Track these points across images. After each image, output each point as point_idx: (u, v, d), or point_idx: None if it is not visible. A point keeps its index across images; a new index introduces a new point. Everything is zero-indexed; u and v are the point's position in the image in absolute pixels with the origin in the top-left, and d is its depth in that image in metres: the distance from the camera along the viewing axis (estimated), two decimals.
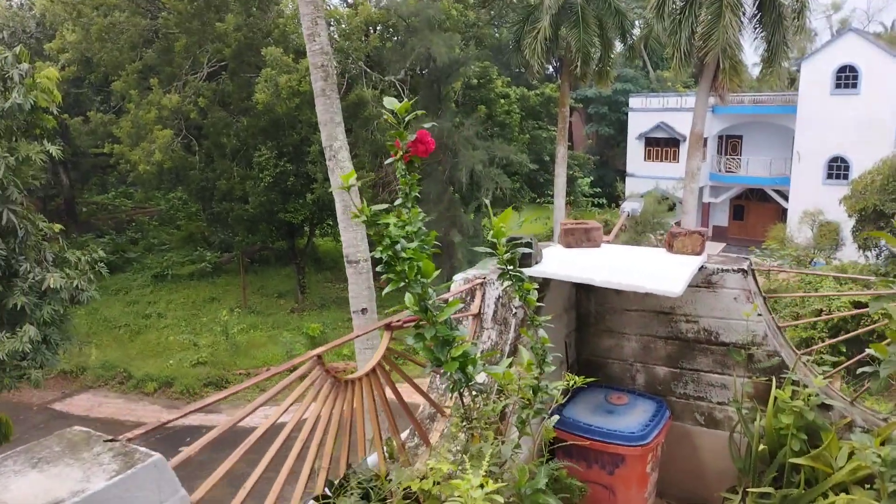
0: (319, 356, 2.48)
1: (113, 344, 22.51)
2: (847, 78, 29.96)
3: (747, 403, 3.72)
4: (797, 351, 3.80)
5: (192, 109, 23.62)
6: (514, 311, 3.51)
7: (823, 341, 16.51)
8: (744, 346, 3.78)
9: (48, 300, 12.32)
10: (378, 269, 2.45)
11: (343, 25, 24.31)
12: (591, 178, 39.29)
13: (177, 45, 23.71)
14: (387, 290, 2.48)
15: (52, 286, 12.01)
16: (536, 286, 2.69)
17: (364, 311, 9.17)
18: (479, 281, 3.63)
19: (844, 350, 15.34)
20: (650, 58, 39.18)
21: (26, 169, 12.47)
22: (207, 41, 23.62)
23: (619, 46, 27.27)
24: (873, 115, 29.02)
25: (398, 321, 2.77)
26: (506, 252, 2.61)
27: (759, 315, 3.71)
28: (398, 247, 2.34)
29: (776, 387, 3.52)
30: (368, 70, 23.52)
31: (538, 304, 2.77)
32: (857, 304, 16.14)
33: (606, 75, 25.24)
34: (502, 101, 29.27)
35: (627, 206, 14.30)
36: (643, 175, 35.86)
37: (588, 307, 4.29)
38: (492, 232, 2.62)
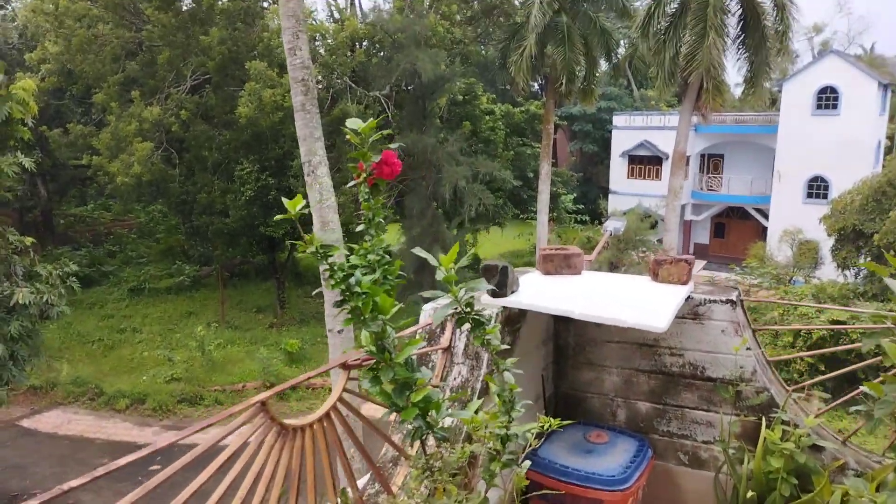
0: (263, 402, 2.25)
1: (85, 359, 22.00)
2: (828, 99, 30.29)
3: (734, 443, 3.53)
4: (787, 387, 3.62)
5: (174, 122, 23.32)
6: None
7: (802, 359, 16.53)
8: (731, 382, 3.60)
9: (17, 315, 11.95)
10: (332, 304, 2.24)
11: (329, 40, 24.19)
12: (575, 195, 39.34)
13: (160, 57, 23.43)
14: (342, 327, 2.27)
15: (20, 301, 11.66)
16: (498, 328, 2.48)
17: (341, 331, 8.93)
18: (449, 311, 3.43)
19: (823, 369, 15.33)
20: (634, 77, 39.50)
21: None
22: (191, 54, 23.38)
23: (604, 65, 27.40)
24: (853, 136, 29.33)
25: (356, 359, 2.55)
26: (468, 288, 2.37)
27: (748, 349, 3.53)
28: (352, 280, 2.12)
29: (766, 426, 3.34)
30: (353, 85, 23.38)
31: (513, 337, 2.56)
32: (834, 322, 16.16)
33: (591, 93, 25.30)
34: (487, 117, 29.25)
35: (610, 226, 14.23)
36: (626, 192, 35.96)
37: (567, 339, 4.09)
38: (442, 271, 2.30)
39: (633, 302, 3.38)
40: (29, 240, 13.17)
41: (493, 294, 3.34)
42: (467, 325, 2.74)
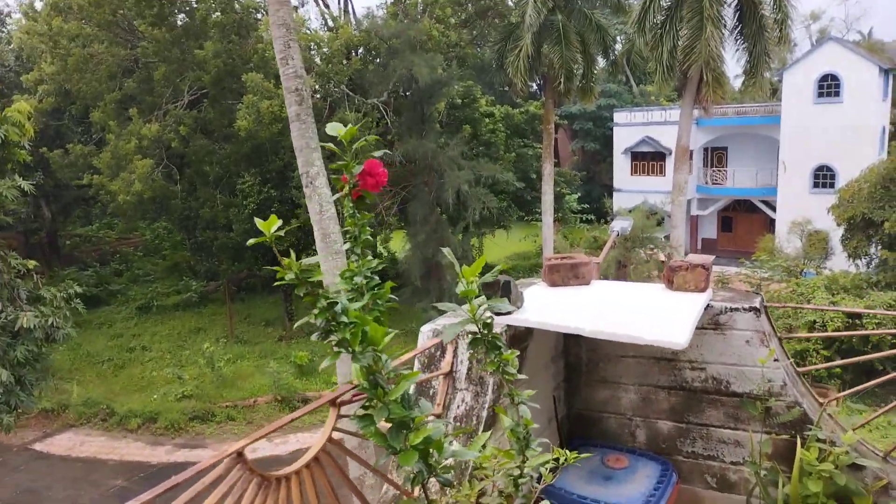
0: (240, 452, 2.05)
1: (96, 380, 21.90)
2: (829, 87, 29.99)
3: (766, 464, 3.31)
4: (821, 400, 3.40)
5: (173, 138, 23.23)
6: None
7: (818, 353, 16.24)
8: (759, 397, 3.37)
9: (22, 340, 11.83)
10: (313, 336, 2.04)
11: (324, 49, 24.07)
12: (579, 195, 39.11)
13: (156, 73, 23.36)
14: (325, 363, 2.07)
15: (25, 325, 11.54)
16: (516, 351, 2.28)
17: None
18: (460, 329, 3.22)
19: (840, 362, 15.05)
20: (633, 72, 39.24)
21: None
22: (187, 69, 23.29)
23: (601, 62, 27.17)
24: (856, 123, 29.01)
25: (348, 396, 2.35)
26: (480, 308, 2.16)
27: (776, 360, 3.31)
28: (338, 308, 1.92)
29: (800, 445, 3.12)
30: (351, 93, 23.24)
31: (520, 356, 2.38)
32: (850, 316, 15.90)
33: (590, 91, 25.08)
34: (487, 120, 29.06)
35: (616, 226, 14.02)
36: (630, 189, 35.70)
37: (578, 355, 3.87)
38: (462, 285, 2.11)
39: (648, 315, 3.16)
40: (32, 263, 13.05)
41: (496, 311, 3.15)
42: (466, 348, 2.57)
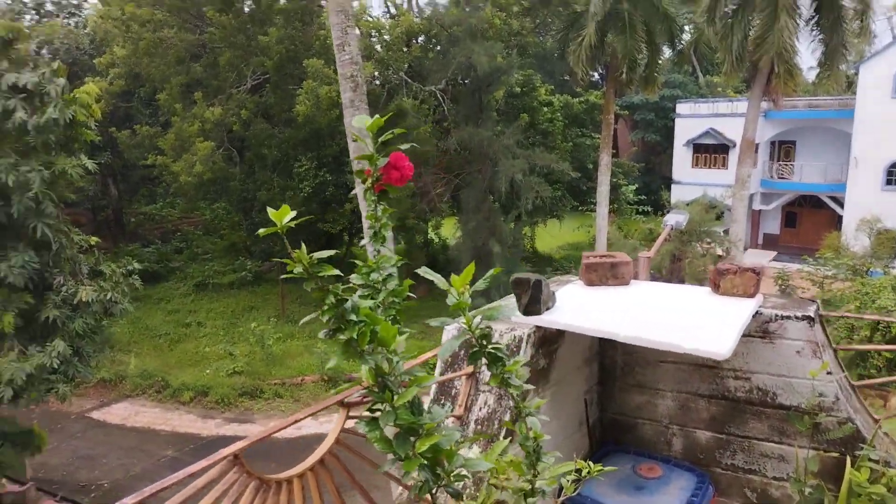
0: (236, 455, 1.98)
1: (152, 353, 22.64)
2: None
3: (811, 482, 3.10)
4: (876, 417, 3.16)
5: (235, 121, 23.75)
6: None
7: (880, 354, 15.46)
8: (808, 412, 3.15)
9: (81, 313, 12.24)
10: (321, 334, 1.96)
11: (385, 36, 24.12)
12: (636, 186, 38.28)
13: (221, 58, 23.87)
14: (330, 365, 1.98)
15: (84, 299, 11.93)
16: (524, 360, 2.14)
17: None
18: (457, 344, 3.01)
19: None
20: (700, 63, 38.04)
21: (62, 182, 12.43)
22: (251, 54, 23.72)
23: (667, 52, 26.42)
24: None
25: (358, 396, 2.26)
26: (486, 315, 2.02)
27: (829, 373, 3.08)
28: (347, 305, 1.86)
29: (850, 464, 2.91)
30: (409, 80, 23.25)
31: (549, 359, 2.25)
32: None
33: (653, 81, 24.42)
34: (545, 109, 28.67)
35: (671, 219, 13.54)
36: (690, 182, 34.72)
37: (614, 357, 3.70)
38: (452, 296, 1.97)
39: (690, 321, 2.97)
40: (94, 239, 13.49)
41: (526, 311, 3.01)
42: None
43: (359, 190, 8.63)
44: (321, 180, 23.12)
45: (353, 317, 1.82)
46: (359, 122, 1.92)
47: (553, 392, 3.12)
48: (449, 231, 27.03)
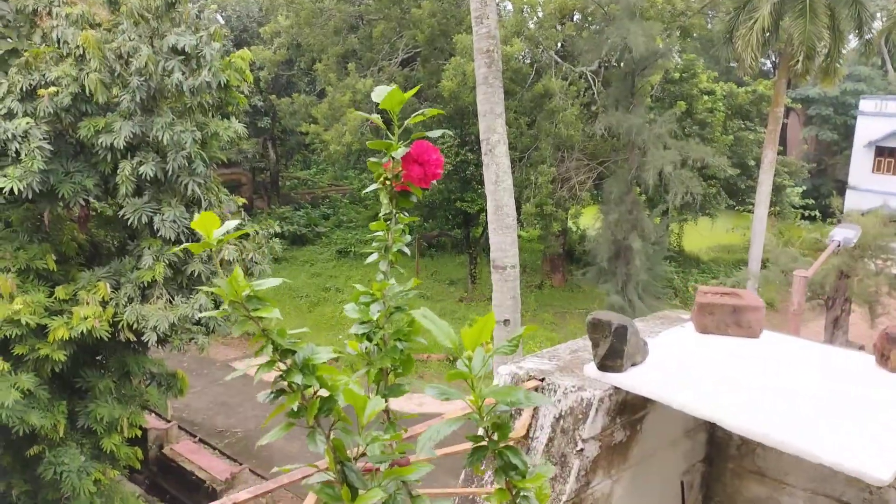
0: None
1: (292, 313, 23.82)
2: None
3: None
4: None
5: None
6: (581, 445, 2.26)
7: None
8: None
9: (223, 270, 12.90)
10: (260, 397, 1.51)
11: (538, 12, 23.48)
12: (804, 188, 34.99)
13: (375, 30, 24.36)
14: (267, 438, 1.43)
15: (225, 258, 12.55)
16: (552, 469, 1.59)
17: (506, 322, 8.41)
18: (531, 385, 2.42)
19: None
20: (891, 55, 33.87)
21: (214, 144, 13.12)
22: (404, 27, 24.00)
23: (852, 41, 23.64)
24: None
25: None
26: (508, 401, 1.39)
27: None
28: (298, 357, 1.38)
29: None
30: (559, 60, 22.50)
31: (631, 430, 1.78)
32: None
33: (834, 73, 21.92)
34: (705, 97, 26.75)
35: (838, 235, 11.84)
36: (869, 189, 31.21)
37: (727, 431, 2.75)
38: (462, 364, 1.42)
39: (839, 412, 2.14)
40: (241, 200, 14.19)
41: (602, 366, 2.30)
42: (555, 411, 2.01)
43: (487, 174, 8.28)
44: (462, 158, 23.05)
45: (298, 378, 1.37)
46: (378, 94, 1.56)
47: (634, 474, 2.47)
48: (588, 221, 26.09)
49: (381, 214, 1.68)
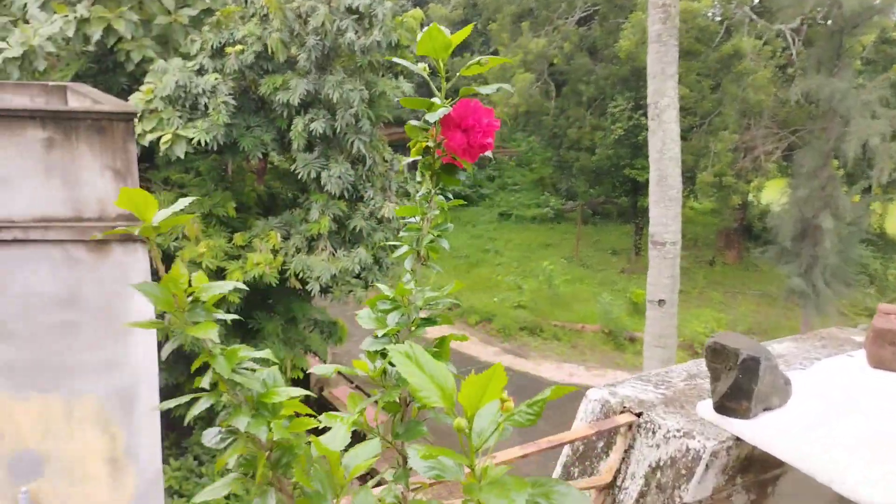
0: None
1: (451, 272, 24.20)
2: None
3: None
4: None
5: (556, 54, 23.46)
6: (682, 497, 1.73)
7: None
8: None
9: (383, 227, 13.27)
10: (209, 438, 1.08)
11: None
12: None
13: None
14: (203, 496, 1.01)
15: (386, 215, 12.88)
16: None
17: (661, 302, 7.79)
18: (624, 421, 1.88)
19: None
20: None
21: (382, 103, 13.37)
22: None
23: None
24: None
25: None
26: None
27: None
28: (238, 396, 0.99)
29: None
30: (754, 17, 20.40)
31: (758, 491, 1.30)
32: None
33: None
34: None
35: None
36: None
37: None
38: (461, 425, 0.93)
39: None
40: (403, 159, 14.43)
41: (720, 406, 1.74)
42: (653, 455, 1.55)
43: (652, 141, 7.62)
44: (635, 123, 21.83)
45: (242, 424, 0.96)
46: (426, 42, 1.24)
47: None
48: (773, 195, 23.81)
49: (418, 196, 1.38)
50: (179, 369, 12.56)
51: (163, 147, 11.21)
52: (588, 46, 24.13)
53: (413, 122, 1.24)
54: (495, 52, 27.63)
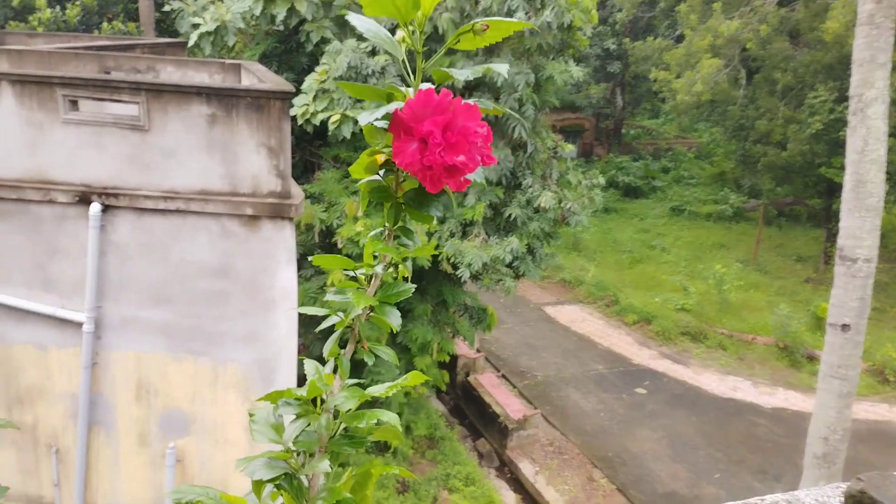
0: None
1: (612, 266, 23.21)
2: None
3: None
4: None
5: (751, 38, 21.44)
6: None
7: None
8: None
9: (539, 217, 12.86)
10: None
11: None
12: None
13: None
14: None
15: (543, 205, 12.45)
16: None
17: (845, 327, 6.65)
18: None
19: None
20: None
21: (549, 87, 12.90)
22: None
23: None
24: None
25: None
26: None
27: None
28: None
29: None
30: None
31: None
32: None
33: None
34: None
35: None
36: None
37: None
38: None
39: None
40: (569, 147, 13.87)
41: None
42: None
43: (851, 140, 6.47)
44: (837, 117, 19.42)
45: None
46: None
47: None
48: None
49: (369, 236, 1.02)
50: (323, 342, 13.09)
51: (331, 127, 11.57)
52: (789, 29, 21.79)
53: (367, 119, 0.89)
54: (682, 37, 25.86)
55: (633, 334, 18.98)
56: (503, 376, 16.44)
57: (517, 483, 13.41)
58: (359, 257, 0.99)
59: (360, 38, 12.37)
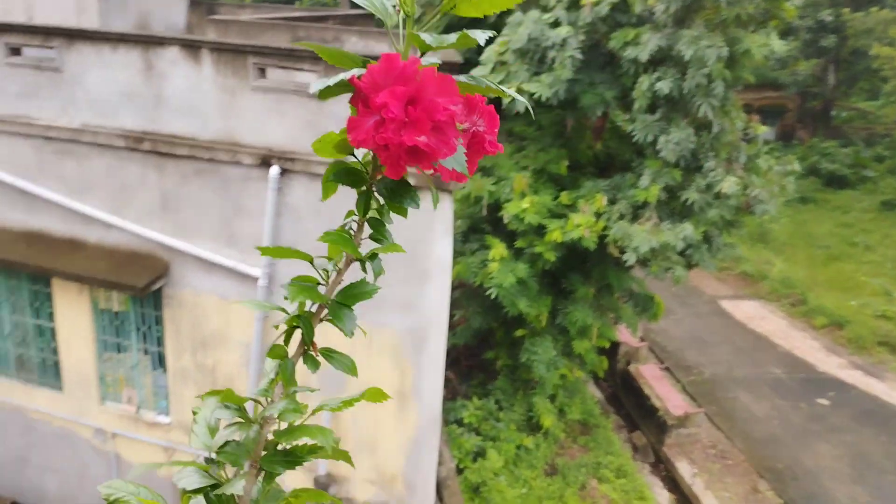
0: None
1: (803, 262, 21.12)
2: None
3: None
4: None
5: None
6: None
7: None
8: None
9: (720, 203, 11.95)
10: None
11: None
12: None
13: None
14: None
15: (724, 191, 11.53)
16: None
17: None
18: None
19: None
20: None
21: (744, 63, 11.82)
22: None
23: None
24: None
25: None
26: None
27: None
28: None
29: None
30: None
31: None
32: None
33: None
34: None
35: None
36: None
37: None
38: None
39: None
40: (762, 128, 12.73)
41: None
42: None
43: None
44: None
45: None
46: None
47: None
48: None
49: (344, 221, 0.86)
50: (492, 315, 13.13)
51: (506, 100, 11.45)
52: None
53: (318, 86, 0.73)
54: None
55: (820, 339, 17.19)
56: (666, 369, 15.63)
57: (672, 482, 12.76)
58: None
59: (544, 8, 12.06)
